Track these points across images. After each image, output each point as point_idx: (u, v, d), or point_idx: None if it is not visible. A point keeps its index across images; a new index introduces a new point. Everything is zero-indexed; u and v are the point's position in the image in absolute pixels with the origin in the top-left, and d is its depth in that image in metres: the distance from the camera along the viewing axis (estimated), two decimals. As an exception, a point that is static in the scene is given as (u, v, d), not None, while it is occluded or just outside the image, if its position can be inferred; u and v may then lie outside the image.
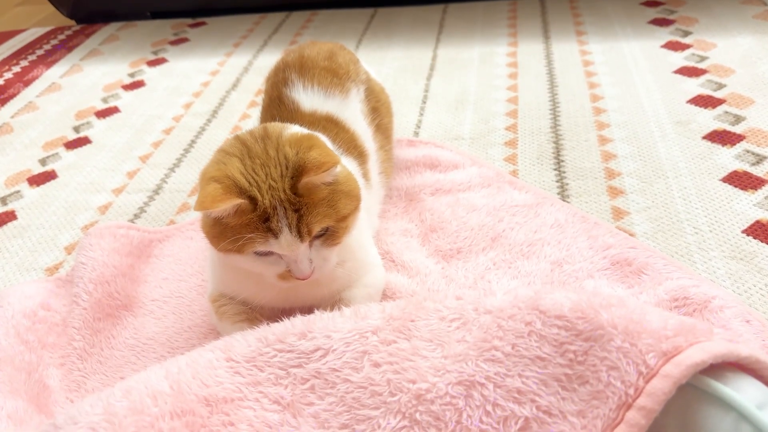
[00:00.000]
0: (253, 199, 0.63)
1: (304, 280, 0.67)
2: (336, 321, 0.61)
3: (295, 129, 0.72)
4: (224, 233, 0.65)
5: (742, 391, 0.48)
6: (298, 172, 0.64)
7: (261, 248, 0.64)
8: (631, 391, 0.49)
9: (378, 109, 0.99)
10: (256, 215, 0.63)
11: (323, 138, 0.74)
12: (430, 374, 0.56)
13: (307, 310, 0.80)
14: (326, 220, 0.66)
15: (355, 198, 0.70)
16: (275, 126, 0.72)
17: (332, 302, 0.77)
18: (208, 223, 0.67)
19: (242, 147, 0.68)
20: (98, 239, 0.94)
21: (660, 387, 0.48)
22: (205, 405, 0.54)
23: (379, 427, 0.54)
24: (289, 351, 0.59)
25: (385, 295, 0.84)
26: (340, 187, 0.68)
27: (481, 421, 0.52)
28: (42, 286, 0.91)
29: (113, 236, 0.95)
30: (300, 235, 0.64)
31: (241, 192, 0.63)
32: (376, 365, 0.57)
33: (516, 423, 0.51)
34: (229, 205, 0.62)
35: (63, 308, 0.89)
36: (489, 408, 0.53)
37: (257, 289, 0.75)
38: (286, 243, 0.64)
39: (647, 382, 0.49)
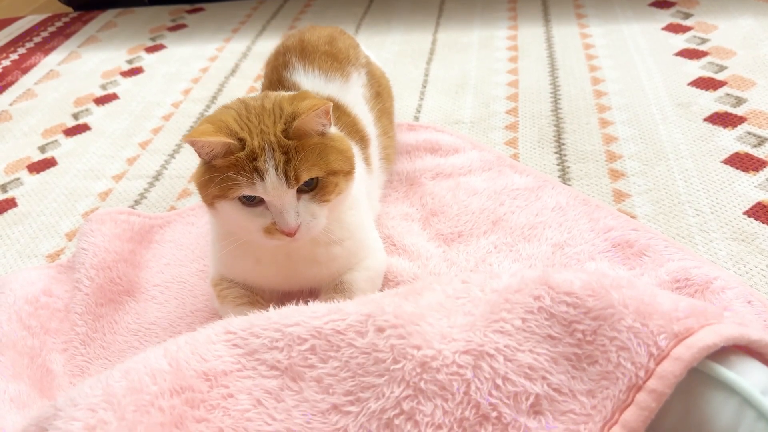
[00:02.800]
0: (242, 141, 0.64)
1: (290, 235, 0.66)
2: (340, 304, 0.61)
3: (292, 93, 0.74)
4: (212, 178, 0.65)
5: (747, 376, 0.48)
6: (291, 118, 0.66)
7: (247, 191, 0.64)
8: (642, 373, 0.48)
9: (380, 93, 0.99)
10: (243, 154, 0.64)
11: None
12: (435, 340, 0.54)
13: (308, 295, 0.80)
14: (315, 169, 0.66)
15: (347, 158, 0.70)
16: (276, 92, 0.74)
17: (333, 285, 0.77)
18: (199, 171, 0.68)
19: (241, 103, 0.69)
20: (99, 225, 0.94)
21: (671, 370, 0.47)
22: (204, 380, 0.54)
23: (383, 395, 0.52)
24: (287, 314, 0.58)
25: (387, 279, 0.84)
26: (333, 142, 0.69)
27: (491, 395, 0.51)
28: (44, 272, 0.91)
29: (114, 222, 0.95)
30: (287, 179, 0.64)
31: (232, 134, 0.65)
32: (380, 330, 0.55)
33: (527, 399, 0.51)
34: (216, 140, 0.63)
35: (65, 294, 0.89)
36: (499, 381, 0.52)
37: (256, 268, 0.75)
38: (271, 186, 0.63)
39: (658, 364, 0.48)
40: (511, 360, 0.52)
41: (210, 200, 0.67)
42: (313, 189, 0.67)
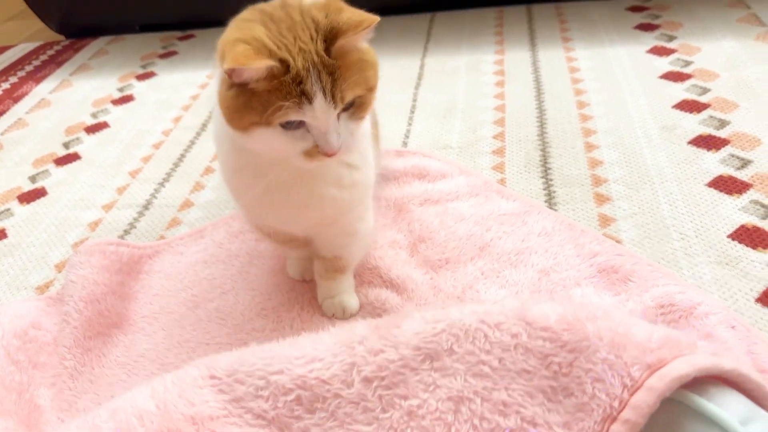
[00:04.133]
0: (284, 62, 0.59)
1: (331, 156, 0.64)
2: (322, 337, 0.61)
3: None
4: (250, 103, 0.60)
5: (726, 407, 0.49)
6: (331, 34, 0.61)
7: (293, 116, 0.60)
8: (616, 404, 0.49)
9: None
10: (289, 77, 0.59)
11: None
12: (420, 390, 0.56)
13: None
14: (358, 87, 0.63)
15: (377, 73, 0.66)
16: None
17: (331, 263, 0.83)
18: (230, 95, 0.62)
19: (261, 14, 0.64)
20: (88, 257, 0.94)
21: (644, 400, 0.48)
22: (191, 423, 0.54)
23: None
24: (270, 357, 0.58)
25: (374, 307, 0.85)
26: (366, 56, 0.65)
27: None
28: (32, 305, 0.92)
29: (103, 253, 0.95)
30: (334, 100, 0.61)
31: (271, 55, 0.59)
32: (368, 380, 0.57)
33: None
34: (262, 65, 0.58)
35: (54, 327, 0.89)
36: (476, 421, 0.53)
37: (273, 199, 0.73)
38: (320, 109, 0.60)
39: (632, 394, 0.49)
40: (487, 400, 0.53)
41: (245, 126, 0.62)
42: (350, 106, 0.64)
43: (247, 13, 0.65)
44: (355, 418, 0.55)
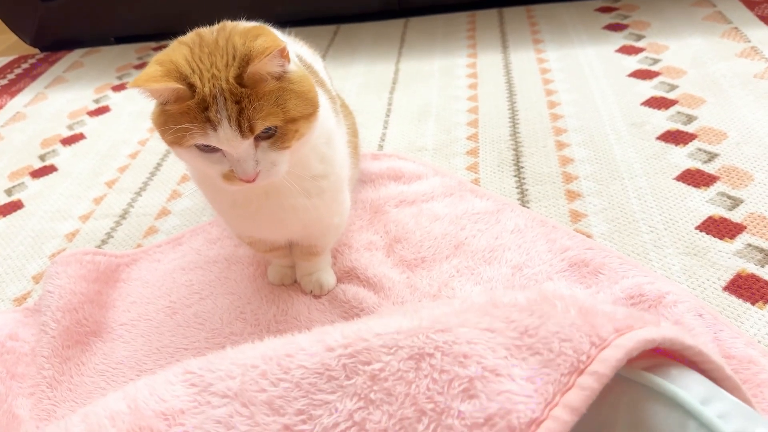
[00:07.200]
0: (192, 87, 0.60)
1: (248, 182, 0.64)
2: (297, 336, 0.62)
3: (250, 24, 0.69)
4: (167, 122, 0.61)
5: (687, 388, 0.50)
6: (244, 61, 0.60)
7: (200, 141, 0.61)
8: (584, 358, 0.49)
9: (350, 126, 1.00)
10: (194, 103, 0.59)
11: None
12: (383, 353, 0.55)
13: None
14: (271, 118, 0.61)
15: (309, 102, 0.65)
16: (234, 22, 0.68)
17: (307, 249, 0.85)
18: (155, 112, 0.64)
19: (197, 37, 0.64)
20: (64, 267, 0.94)
21: (612, 354, 0.48)
22: (162, 419, 0.54)
23: (336, 410, 0.52)
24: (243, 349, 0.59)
25: (351, 305, 0.86)
26: (292, 86, 0.63)
27: (428, 389, 0.51)
28: (10, 316, 0.91)
29: (79, 263, 0.95)
30: (240, 129, 0.60)
31: (181, 78, 0.60)
32: (330, 349, 0.56)
33: (460, 385, 0.50)
34: (163, 86, 0.58)
35: (31, 337, 0.89)
36: (436, 375, 0.52)
37: (236, 212, 0.75)
38: (225, 137, 0.60)
39: (600, 351, 0.49)
40: (447, 354, 0.52)
41: (168, 143, 0.64)
42: (272, 136, 0.63)
43: (187, 36, 0.66)
44: (319, 388, 0.54)
